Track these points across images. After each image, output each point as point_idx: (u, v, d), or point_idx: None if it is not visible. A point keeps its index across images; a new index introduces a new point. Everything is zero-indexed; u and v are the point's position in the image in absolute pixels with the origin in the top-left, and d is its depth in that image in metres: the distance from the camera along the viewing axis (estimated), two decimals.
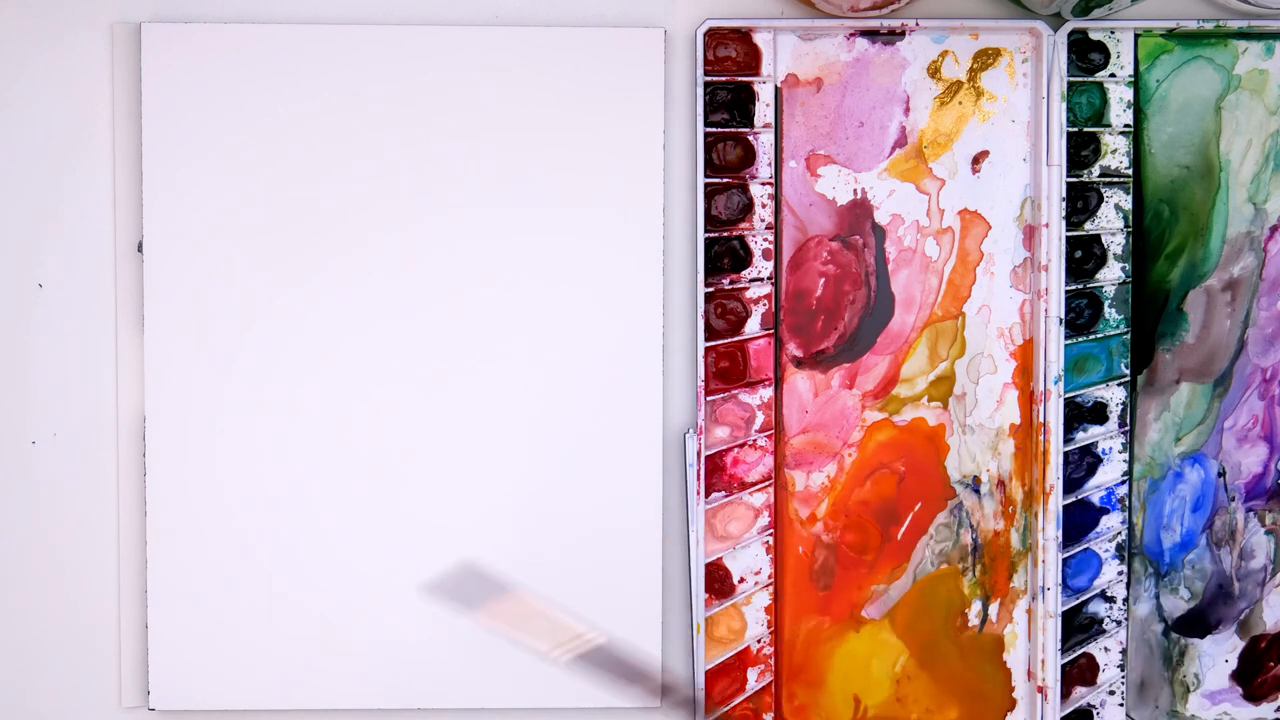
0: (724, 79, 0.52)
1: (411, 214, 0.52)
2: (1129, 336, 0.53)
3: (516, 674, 0.53)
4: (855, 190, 0.53)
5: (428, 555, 0.52)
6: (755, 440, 0.53)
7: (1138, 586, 0.54)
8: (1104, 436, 0.53)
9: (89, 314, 0.53)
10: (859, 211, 0.53)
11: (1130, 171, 0.53)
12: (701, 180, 0.52)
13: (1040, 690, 0.53)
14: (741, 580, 0.53)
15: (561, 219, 0.52)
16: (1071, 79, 0.52)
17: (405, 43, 0.51)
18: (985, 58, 0.53)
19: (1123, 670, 0.54)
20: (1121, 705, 0.54)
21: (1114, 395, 0.53)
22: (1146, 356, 0.54)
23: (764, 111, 0.52)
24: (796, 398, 0.53)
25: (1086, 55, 0.52)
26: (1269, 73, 0.53)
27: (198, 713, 0.53)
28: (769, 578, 0.53)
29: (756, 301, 0.52)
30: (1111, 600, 0.54)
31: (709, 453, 0.52)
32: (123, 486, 0.53)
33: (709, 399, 0.52)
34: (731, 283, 0.52)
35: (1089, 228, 0.53)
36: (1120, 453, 0.53)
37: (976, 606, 0.54)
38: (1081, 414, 0.53)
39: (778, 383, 0.53)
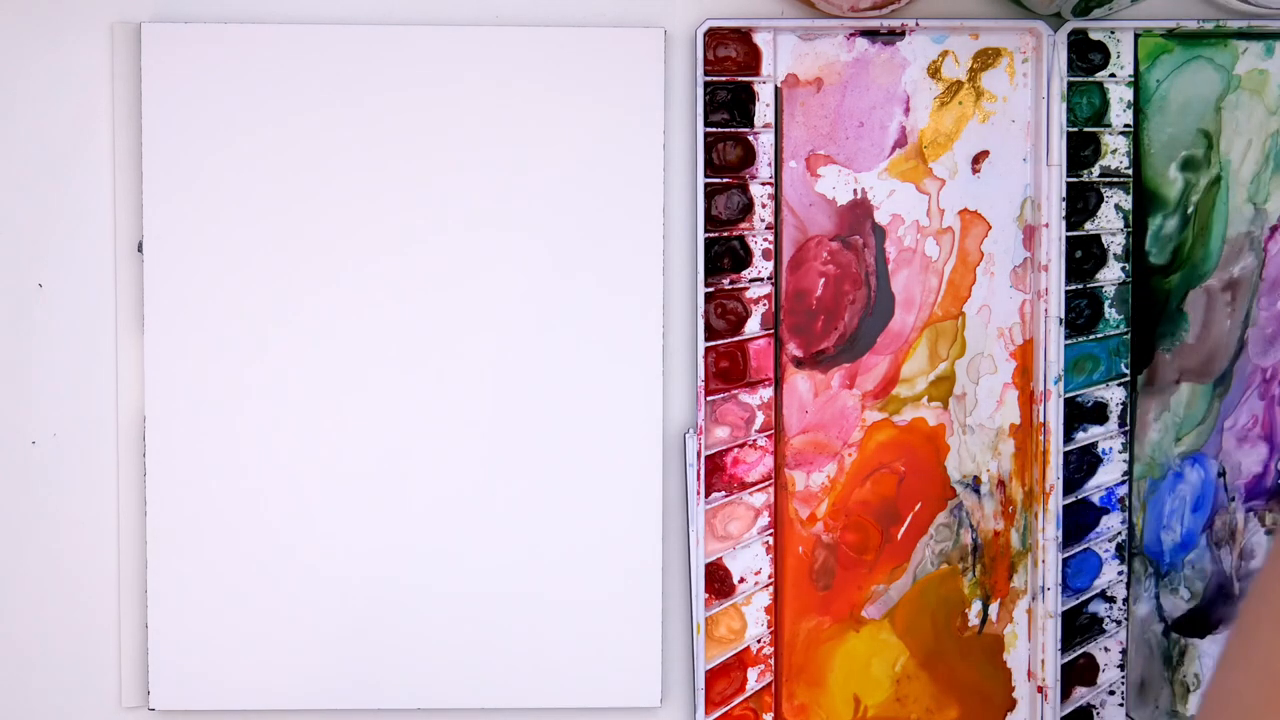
0: (724, 79, 0.52)
1: (411, 213, 0.52)
2: (1129, 336, 0.53)
3: (516, 674, 0.53)
4: (855, 190, 0.53)
5: (428, 555, 0.52)
6: (755, 440, 0.53)
7: (1138, 586, 0.54)
8: (1104, 436, 0.53)
9: (89, 314, 0.53)
10: (859, 211, 0.53)
11: (1130, 171, 0.53)
12: (701, 180, 0.52)
13: (1040, 690, 0.53)
14: (741, 580, 0.53)
15: (561, 218, 0.52)
16: (1071, 79, 0.52)
17: (405, 43, 0.51)
18: (985, 58, 0.53)
19: (1123, 670, 0.54)
20: (1121, 705, 0.54)
21: (1114, 395, 0.53)
22: (1146, 356, 0.54)
23: (764, 111, 0.52)
24: (796, 398, 0.53)
25: (1086, 55, 0.52)
26: (1269, 73, 0.53)
27: (198, 713, 0.53)
28: (769, 578, 0.53)
29: (756, 301, 0.52)
30: (1111, 600, 0.54)
31: (709, 453, 0.52)
32: (123, 486, 0.53)
33: (709, 399, 0.52)
34: (731, 283, 0.52)
35: (1089, 228, 0.53)
36: (1120, 453, 0.53)
37: (976, 606, 0.54)
38: (1081, 414, 0.53)
39: (778, 383, 0.53)
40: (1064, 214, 0.52)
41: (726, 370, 0.52)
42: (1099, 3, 0.50)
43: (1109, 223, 0.53)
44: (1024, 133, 0.53)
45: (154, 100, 0.51)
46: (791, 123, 0.53)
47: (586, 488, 0.52)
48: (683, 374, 0.53)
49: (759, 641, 0.53)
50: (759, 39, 0.52)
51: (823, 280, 0.53)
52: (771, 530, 0.53)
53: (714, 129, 0.52)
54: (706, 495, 0.52)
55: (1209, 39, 0.53)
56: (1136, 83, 0.53)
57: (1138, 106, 0.53)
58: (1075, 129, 0.52)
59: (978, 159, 0.53)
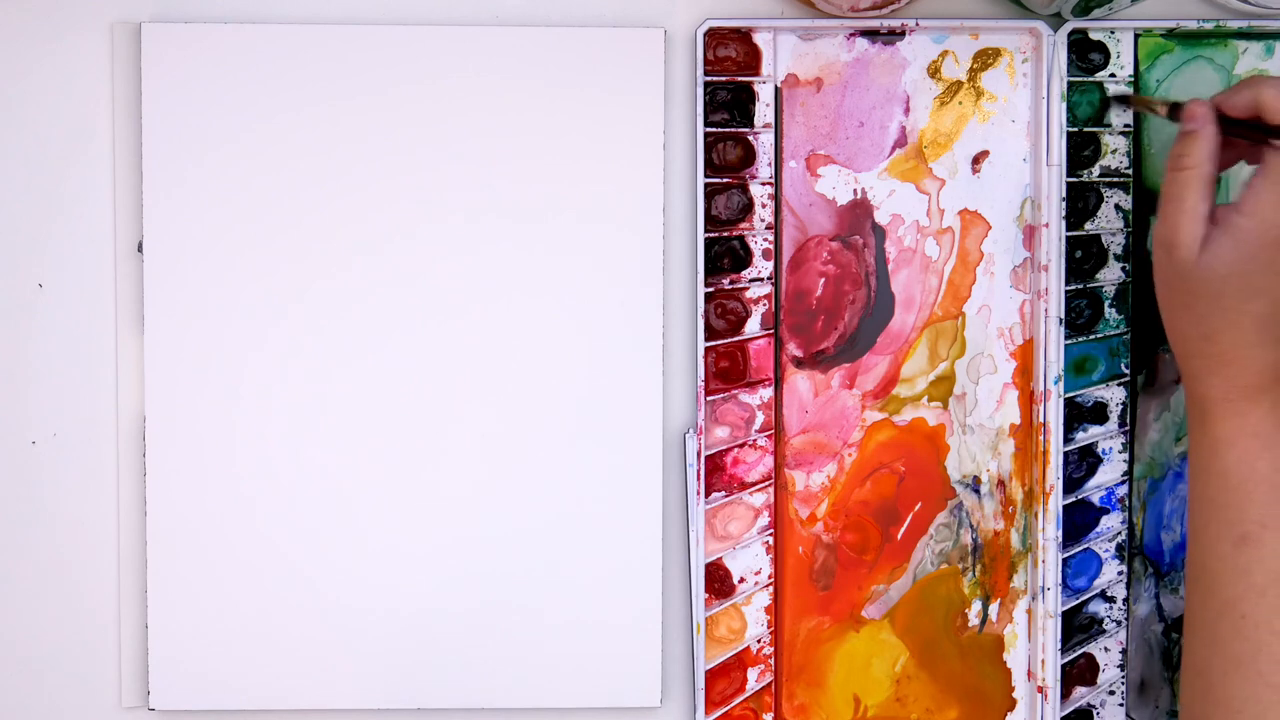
0: (724, 79, 0.52)
1: (411, 213, 0.52)
2: (1129, 336, 0.53)
3: (516, 674, 0.53)
4: (855, 190, 0.53)
5: (428, 555, 0.52)
6: (755, 440, 0.53)
7: (1138, 586, 0.54)
8: (1104, 436, 0.53)
9: (89, 314, 0.53)
10: (859, 211, 0.53)
11: (1130, 171, 0.53)
12: (701, 180, 0.52)
13: (1040, 690, 0.53)
14: (741, 580, 0.53)
15: (561, 219, 0.52)
16: (1071, 79, 0.52)
17: (405, 43, 0.51)
18: (985, 58, 0.53)
19: (1123, 670, 0.54)
20: (1121, 705, 0.54)
21: (1114, 395, 0.53)
22: (1146, 356, 0.54)
23: (764, 111, 0.52)
24: (796, 398, 0.53)
25: (1086, 55, 0.52)
26: (1269, 73, 0.53)
27: (198, 713, 0.53)
28: (769, 578, 0.53)
29: (756, 301, 0.52)
30: (1111, 600, 0.54)
31: (709, 453, 0.52)
32: (123, 486, 0.53)
33: (709, 399, 0.52)
34: (731, 283, 0.52)
35: (1089, 228, 0.53)
36: (1120, 453, 0.53)
37: (976, 606, 0.54)
38: (1081, 414, 0.53)
39: (778, 383, 0.53)
40: (1064, 214, 0.52)
41: (726, 370, 0.52)
42: (1099, 3, 0.50)
43: (1109, 223, 0.53)
44: (1024, 133, 0.53)
45: (154, 100, 0.51)
46: (791, 123, 0.53)
47: (587, 488, 0.52)
48: (683, 374, 0.53)
49: (759, 641, 0.53)
50: (759, 39, 0.52)
51: (823, 280, 0.53)
52: (771, 530, 0.53)
53: (714, 129, 0.52)
54: (706, 495, 0.52)
55: (1209, 39, 0.53)
56: (1136, 83, 0.53)
57: None
58: (1075, 129, 0.52)
59: (978, 159, 0.53)
